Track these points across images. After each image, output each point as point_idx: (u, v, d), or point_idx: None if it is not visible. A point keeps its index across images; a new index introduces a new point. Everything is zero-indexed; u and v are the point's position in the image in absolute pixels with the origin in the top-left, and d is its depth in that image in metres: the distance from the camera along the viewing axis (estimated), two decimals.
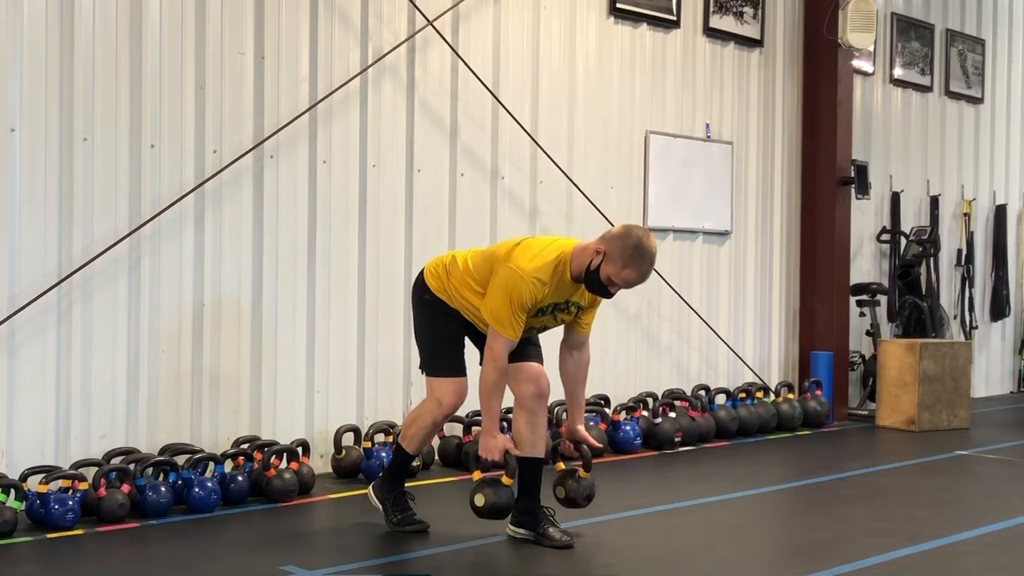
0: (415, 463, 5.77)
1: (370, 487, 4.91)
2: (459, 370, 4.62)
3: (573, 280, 4.41)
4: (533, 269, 4.34)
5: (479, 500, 4.53)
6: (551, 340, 4.77)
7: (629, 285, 4.37)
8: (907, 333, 9.29)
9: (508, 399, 4.63)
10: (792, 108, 8.79)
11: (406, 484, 4.91)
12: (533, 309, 4.40)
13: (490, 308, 4.39)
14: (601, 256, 4.31)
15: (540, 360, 4.66)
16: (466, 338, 4.69)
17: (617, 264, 4.29)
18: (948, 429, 8.24)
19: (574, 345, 4.70)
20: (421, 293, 4.70)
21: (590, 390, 7.02)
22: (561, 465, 4.86)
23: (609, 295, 4.45)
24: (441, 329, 4.63)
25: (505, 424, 6.37)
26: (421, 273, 4.75)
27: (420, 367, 4.76)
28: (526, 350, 4.61)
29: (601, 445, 4.82)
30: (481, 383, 4.45)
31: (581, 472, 4.74)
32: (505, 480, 4.54)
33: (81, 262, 5.16)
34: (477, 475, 4.60)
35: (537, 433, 4.63)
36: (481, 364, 4.50)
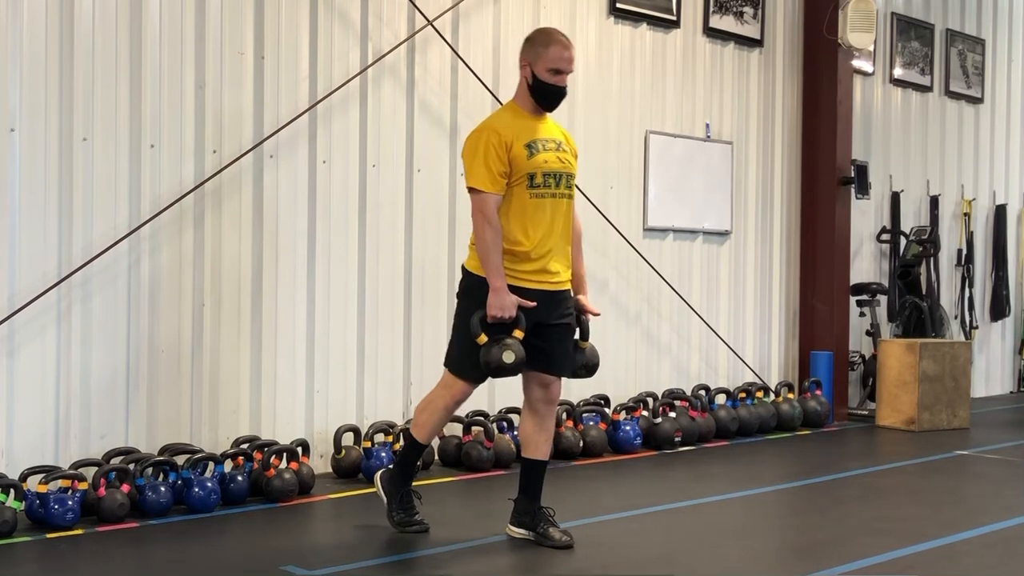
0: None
1: (377, 475, 4.83)
2: (479, 377, 4.52)
3: (530, 112, 4.55)
4: (487, 120, 4.61)
5: (508, 357, 4.27)
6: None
7: (565, 62, 4.50)
8: (907, 333, 9.29)
9: (513, 398, 4.62)
10: (792, 108, 8.79)
11: (413, 483, 4.87)
12: (516, 150, 4.38)
13: (467, 175, 4.46)
14: (528, 67, 4.51)
15: (559, 375, 4.60)
16: None
17: (541, 55, 4.48)
18: (948, 429, 8.24)
19: None
20: (465, 279, 4.59)
21: (590, 390, 7.05)
22: None
23: (560, 90, 4.52)
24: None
25: (505, 424, 6.39)
26: (463, 267, 4.64)
27: (445, 361, 4.65)
28: (552, 360, 4.53)
29: (599, 313, 4.76)
30: (478, 244, 4.39)
31: (581, 343, 4.68)
32: (517, 334, 4.35)
33: (81, 262, 5.16)
34: (483, 339, 4.36)
35: (543, 436, 4.62)
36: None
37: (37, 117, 5.08)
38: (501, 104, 6.72)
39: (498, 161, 4.36)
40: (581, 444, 6.56)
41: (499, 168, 4.37)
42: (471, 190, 4.41)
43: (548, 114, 4.63)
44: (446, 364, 4.65)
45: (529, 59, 4.50)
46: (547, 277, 4.49)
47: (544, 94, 4.51)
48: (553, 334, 4.55)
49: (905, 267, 9.49)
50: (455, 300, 4.70)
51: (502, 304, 4.33)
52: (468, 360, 4.48)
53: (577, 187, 6.95)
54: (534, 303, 4.40)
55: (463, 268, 4.63)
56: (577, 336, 4.68)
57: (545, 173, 4.45)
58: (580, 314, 4.69)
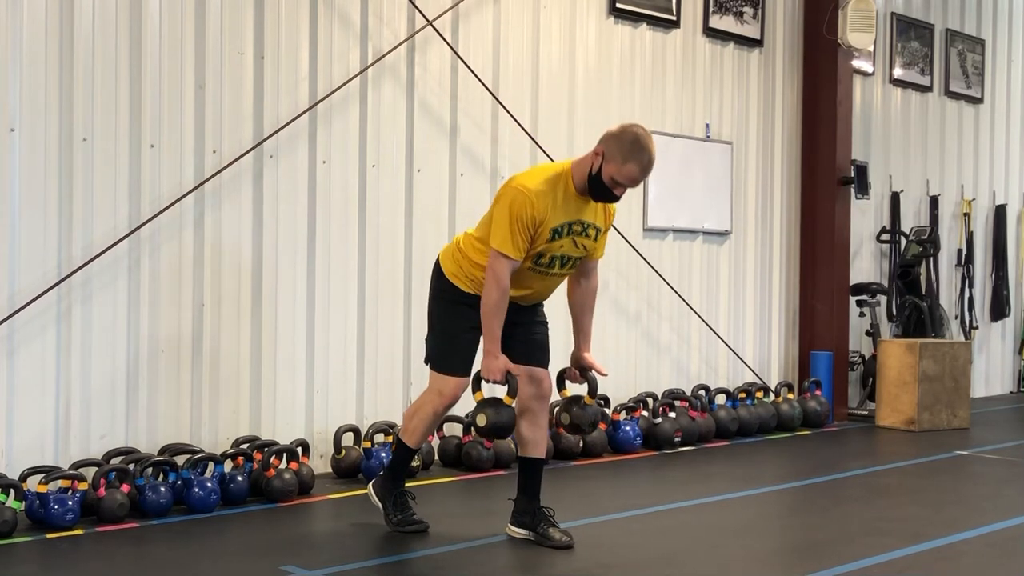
0: (415, 462, 5.78)
1: (370, 485, 4.89)
2: (466, 370, 4.58)
3: (578, 192, 4.39)
4: (534, 183, 4.33)
5: (480, 420, 4.43)
6: (557, 341, 4.78)
7: (633, 181, 4.34)
8: (907, 333, 9.29)
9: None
10: (792, 108, 8.79)
11: (405, 484, 4.90)
12: (543, 230, 4.33)
13: (494, 229, 4.34)
14: (600, 157, 4.31)
15: (545, 365, 4.65)
16: (480, 338, 4.63)
17: (617, 160, 4.27)
18: (948, 429, 8.24)
19: (583, 272, 4.66)
20: (438, 282, 4.64)
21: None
22: (567, 392, 4.81)
23: (615, 197, 4.39)
24: (453, 326, 4.57)
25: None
26: (437, 261, 4.69)
27: (425, 360, 4.73)
28: (532, 353, 4.60)
29: (607, 373, 4.79)
30: (483, 304, 4.39)
31: (587, 399, 4.72)
32: (506, 400, 4.45)
33: (81, 262, 5.16)
34: (479, 396, 4.52)
35: (538, 434, 4.63)
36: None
37: (37, 117, 5.08)
38: (501, 105, 6.73)
39: (525, 234, 4.33)
40: (581, 444, 6.56)
41: (524, 240, 4.34)
42: (493, 249, 4.36)
43: None
44: (431, 365, 4.67)
45: (606, 152, 4.29)
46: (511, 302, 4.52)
47: (597, 191, 4.38)
48: (531, 330, 4.62)
49: (905, 267, 9.49)
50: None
51: (490, 369, 4.41)
52: (448, 353, 4.56)
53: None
54: (521, 371, 4.48)
55: (440, 270, 4.63)
56: (586, 392, 4.73)
57: (554, 256, 4.46)
58: (587, 371, 4.72)
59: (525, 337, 4.58)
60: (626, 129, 4.34)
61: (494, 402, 4.47)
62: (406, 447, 4.77)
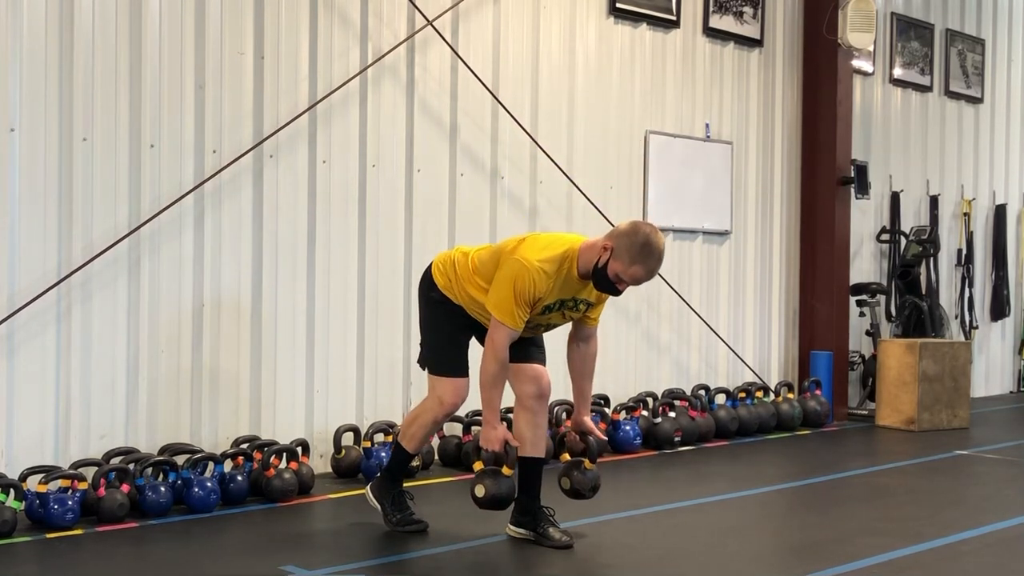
0: (414, 463, 5.78)
1: (368, 487, 4.90)
2: (462, 370, 4.61)
3: (580, 277, 4.40)
4: (539, 261, 4.33)
5: (479, 491, 4.51)
6: (554, 339, 4.78)
7: (637, 282, 4.36)
8: (907, 333, 9.29)
9: (508, 398, 4.63)
10: (792, 108, 8.79)
11: (405, 484, 4.91)
12: (538, 304, 4.38)
13: (494, 299, 4.37)
14: (608, 253, 4.30)
15: (543, 362, 4.66)
16: (472, 337, 4.67)
17: (624, 261, 4.27)
18: (948, 429, 8.24)
19: (582, 337, 4.69)
20: (428, 290, 4.67)
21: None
22: (567, 457, 4.85)
23: (617, 292, 4.42)
24: (446, 328, 4.61)
25: (505, 424, 6.38)
26: (429, 268, 4.72)
27: (420, 363, 4.75)
28: (529, 351, 4.60)
29: (606, 439, 4.83)
30: (481, 374, 4.43)
31: (587, 464, 4.75)
32: (505, 471, 4.52)
33: (81, 262, 5.16)
34: (478, 466, 4.60)
35: (538, 433, 4.63)
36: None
37: (37, 117, 5.08)
38: (501, 105, 6.73)
39: (525, 309, 4.36)
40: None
41: (525, 313, 4.37)
42: (495, 318, 4.37)
43: None
44: (428, 369, 4.69)
45: (615, 249, 4.27)
46: None
47: (602, 284, 4.38)
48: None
49: (905, 267, 9.49)
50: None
51: (489, 439, 4.47)
52: (444, 355, 4.59)
53: (577, 187, 6.95)
54: (518, 443, 4.51)
55: (432, 280, 4.64)
56: (586, 457, 4.77)
57: (539, 324, 4.53)
58: (587, 435, 4.75)
59: (521, 337, 4.58)
60: (638, 229, 4.31)
61: (493, 473, 4.52)
62: (404, 451, 4.79)
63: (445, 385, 4.59)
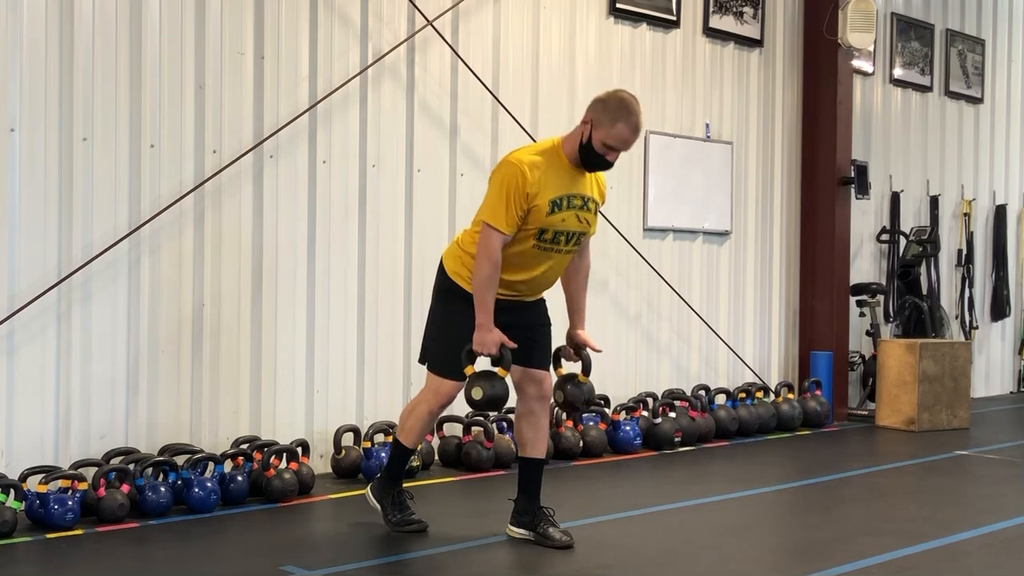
0: (414, 462, 5.78)
1: (368, 488, 4.89)
2: (463, 375, 4.56)
3: (570, 163, 4.41)
4: (525, 155, 4.38)
5: (476, 393, 4.39)
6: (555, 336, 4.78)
7: (624, 143, 4.37)
8: (907, 333, 9.29)
9: (511, 399, 4.62)
10: (792, 108, 8.79)
11: (405, 484, 4.90)
12: (540, 202, 4.31)
13: (485, 207, 4.38)
14: (589, 125, 4.35)
15: (546, 367, 4.64)
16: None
17: (606, 124, 4.31)
18: (948, 429, 8.24)
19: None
20: (441, 281, 4.64)
21: None
22: (561, 370, 4.79)
23: (608, 164, 4.43)
24: (455, 329, 4.51)
25: (505, 424, 6.38)
26: (441, 261, 4.69)
27: (421, 359, 4.72)
28: (533, 355, 4.58)
29: (601, 350, 4.75)
30: (474, 277, 4.38)
31: (581, 377, 4.68)
32: (500, 372, 4.42)
33: (81, 262, 5.16)
34: (469, 370, 4.46)
35: (539, 435, 4.63)
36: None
37: (37, 117, 5.08)
38: (501, 105, 6.73)
39: (517, 207, 4.32)
40: (581, 444, 6.57)
41: (516, 213, 4.34)
42: (484, 222, 4.37)
43: None
44: (428, 366, 4.65)
45: (595, 119, 4.33)
46: (516, 295, 4.55)
47: (590, 159, 4.40)
48: (534, 332, 4.61)
49: (905, 267, 9.49)
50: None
51: (484, 341, 4.37)
52: (447, 357, 4.53)
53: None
54: (515, 344, 4.43)
55: (443, 268, 4.63)
56: (579, 370, 4.70)
57: (558, 232, 4.44)
58: (581, 348, 4.70)
59: (526, 338, 4.55)
60: (611, 94, 4.41)
61: (488, 375, 4.41)
62: (403, 447, 4.77)
63: (442, 383, 4.58)
